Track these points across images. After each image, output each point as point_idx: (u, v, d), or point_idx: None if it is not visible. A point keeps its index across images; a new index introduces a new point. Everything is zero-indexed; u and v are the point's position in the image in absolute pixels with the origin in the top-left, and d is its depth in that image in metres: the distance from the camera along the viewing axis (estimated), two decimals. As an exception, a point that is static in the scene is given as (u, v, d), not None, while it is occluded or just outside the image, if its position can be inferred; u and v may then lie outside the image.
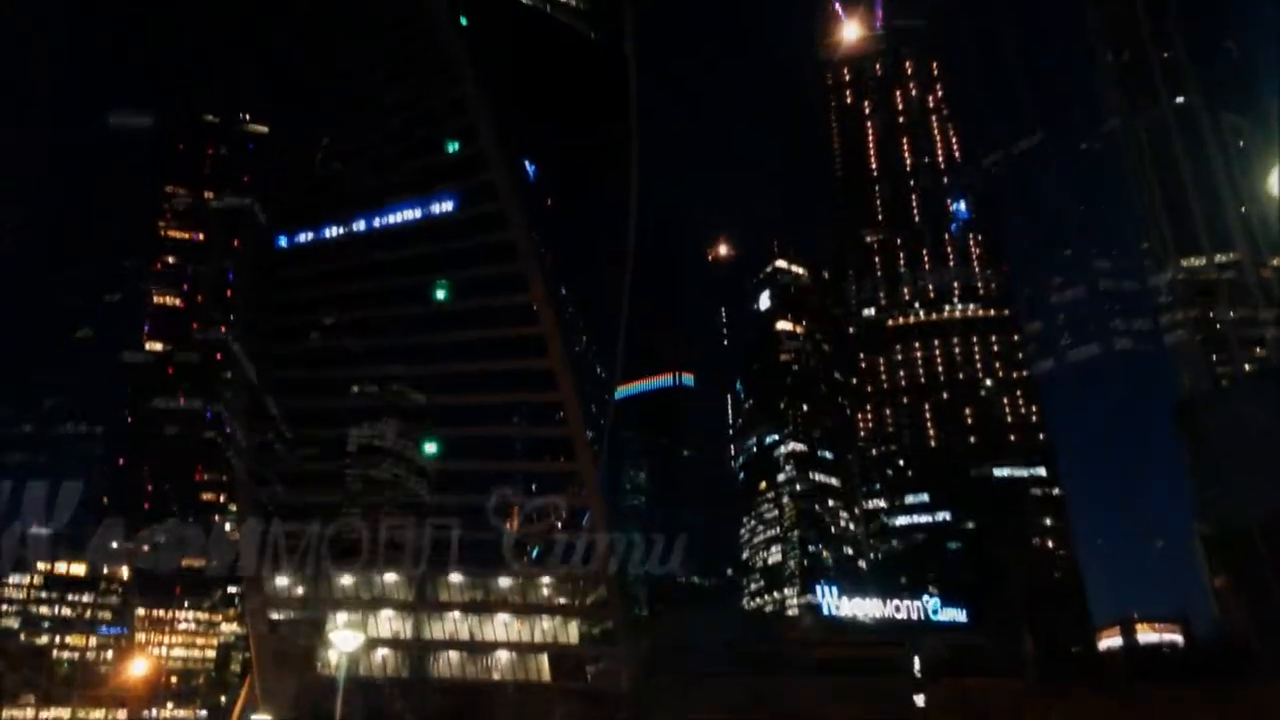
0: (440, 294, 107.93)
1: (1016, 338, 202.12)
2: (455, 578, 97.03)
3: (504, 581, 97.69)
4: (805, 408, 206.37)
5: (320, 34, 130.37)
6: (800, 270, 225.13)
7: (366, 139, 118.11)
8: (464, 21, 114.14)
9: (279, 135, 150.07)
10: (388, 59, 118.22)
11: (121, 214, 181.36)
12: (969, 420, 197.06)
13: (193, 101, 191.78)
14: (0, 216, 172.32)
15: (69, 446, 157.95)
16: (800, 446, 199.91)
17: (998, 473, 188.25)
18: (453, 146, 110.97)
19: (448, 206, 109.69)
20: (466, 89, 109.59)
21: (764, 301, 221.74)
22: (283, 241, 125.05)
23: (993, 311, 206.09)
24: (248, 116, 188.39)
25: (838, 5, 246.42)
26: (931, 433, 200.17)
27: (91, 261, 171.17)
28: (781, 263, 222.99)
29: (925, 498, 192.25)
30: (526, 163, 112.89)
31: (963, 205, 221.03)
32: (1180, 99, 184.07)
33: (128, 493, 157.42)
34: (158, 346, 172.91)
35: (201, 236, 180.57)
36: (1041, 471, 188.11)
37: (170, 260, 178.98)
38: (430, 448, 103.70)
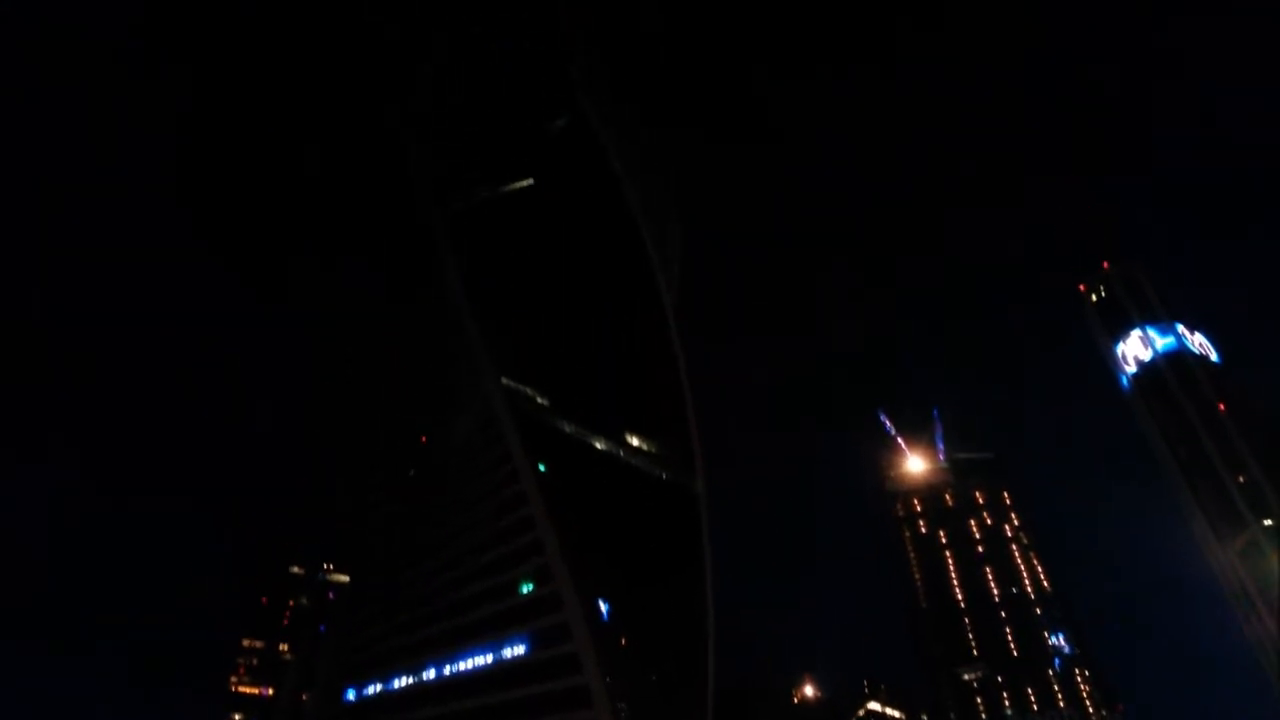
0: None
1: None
2: None
3: None
4: None
5: (404, 489, 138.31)
6: (896, 713, 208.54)
7: (442, 586, 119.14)
8: (542, 468, 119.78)
9: (358, 586, 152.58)
10: (464, 504, 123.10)
11: (199, 669, 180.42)
12: None
13: (283, 554, 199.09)
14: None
15: None
16: None
17: None
18: (527, 587, 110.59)
19: (520, 650, 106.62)
20: (542, 531, 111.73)
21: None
22: (351, 695, 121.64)
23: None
24: (331, 566, 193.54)
25: (900, 440, 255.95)
26: None
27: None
28: (875, 705, 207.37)
29: None
30: (600, 601, 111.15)
31: (1062, 639, 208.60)
32: (1269, 521, 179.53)
33: None
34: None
35: (270, 691, 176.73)
36: None
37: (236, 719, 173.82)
38: None
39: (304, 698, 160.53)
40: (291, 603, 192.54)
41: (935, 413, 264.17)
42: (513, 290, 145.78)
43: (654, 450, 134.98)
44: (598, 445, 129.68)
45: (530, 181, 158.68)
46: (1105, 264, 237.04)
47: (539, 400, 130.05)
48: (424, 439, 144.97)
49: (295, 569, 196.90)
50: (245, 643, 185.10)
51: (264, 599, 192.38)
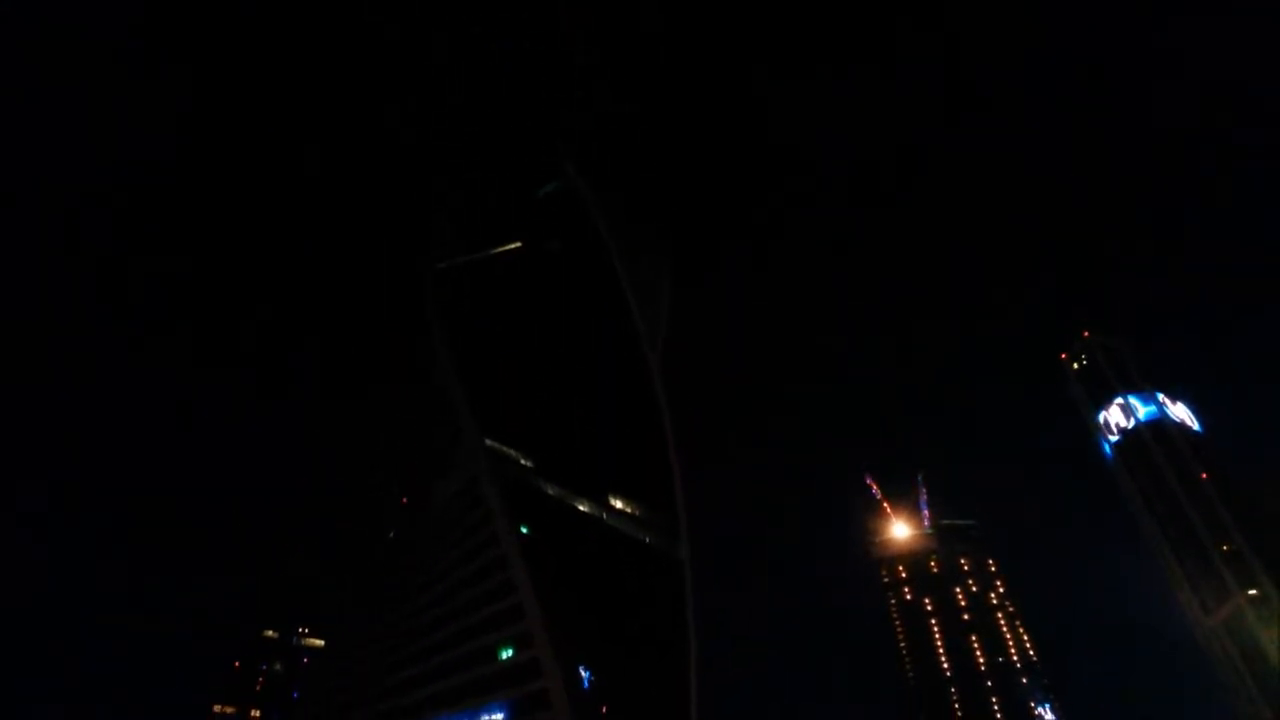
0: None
1: None
2: None
3: None
4: None
5: (382, 551, 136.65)
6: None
7: (419, 651, 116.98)
8: (524, 530, 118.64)
9: (333, 651, 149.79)
10: (444, 567, 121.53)
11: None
12: None
13: (257, 620, 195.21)
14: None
15: None
16: None
17: None
18: (506, 653, 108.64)
19: (498, 719, 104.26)
20: (523, 596, 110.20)
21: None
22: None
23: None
24: (306, 630, 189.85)
25: (885, 505, 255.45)
26: None
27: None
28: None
29: None
30: (581, 669, 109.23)
31: (1049, 710, 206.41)
32: (1253, 591, 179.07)
33: None
34: None
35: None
36: None
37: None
38: None
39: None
40: (265, 667, 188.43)
41: (920, 478, 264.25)
42: (496, 351, 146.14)
43: (638, 514, 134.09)
44: (581, 508, 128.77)
45: (517, 245, 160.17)
46: (1086, 333, 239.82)
47: (523, 462, 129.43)
48: (404, 500, 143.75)
49: (269, 633, 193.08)
50: (216, 708, 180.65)
51: (236, 663, 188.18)
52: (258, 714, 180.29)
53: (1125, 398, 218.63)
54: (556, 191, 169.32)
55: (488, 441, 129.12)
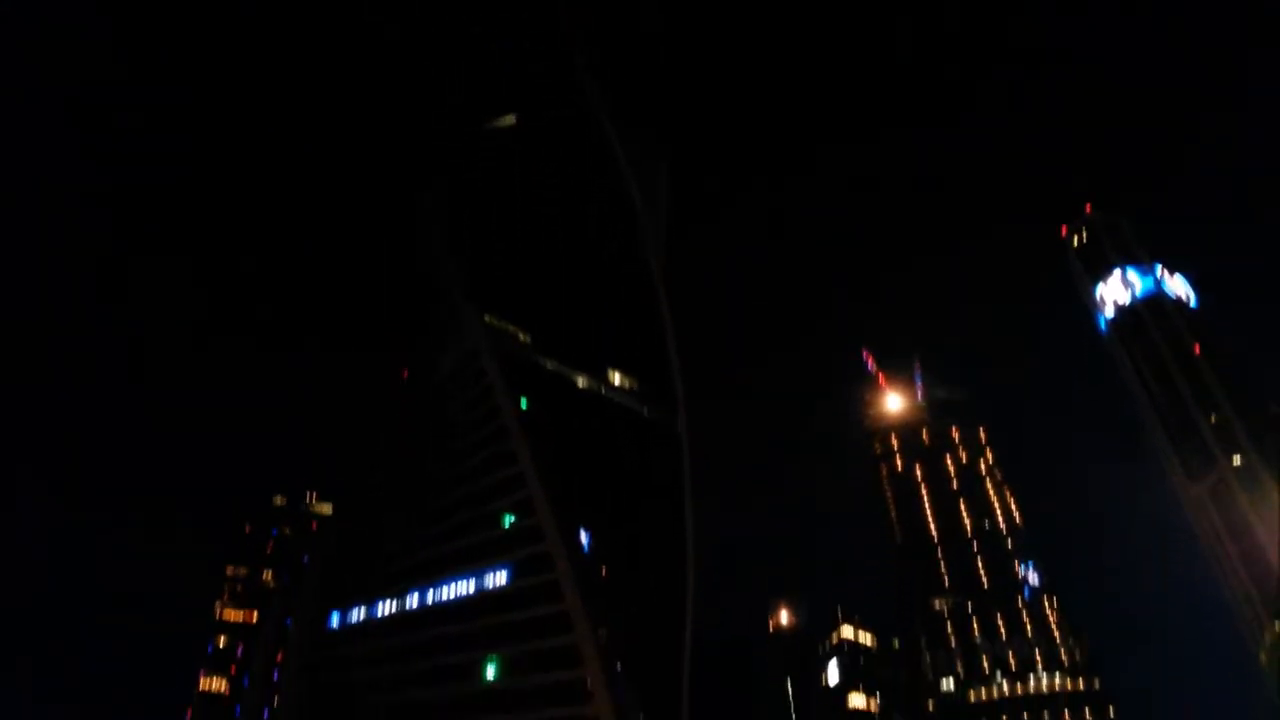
0: (491, 671, 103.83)
1: (1112, 712, 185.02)
2: None
3: None
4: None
5: (387, 422, 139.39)
6: (868, 639, 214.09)
7: (424, 517, 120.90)
8: (524, 404, 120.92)
9: (341, 515, 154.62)
10: (447, 438, 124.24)
11: (182, 597, 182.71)
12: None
13: (265, 485, 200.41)
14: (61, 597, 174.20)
15: None
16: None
17: None
18: (509, 519, 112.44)
19: (501, 579, 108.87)
20: (524, 466, 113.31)
21: (832, 675, 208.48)
22: (335, 620, 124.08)
23: (1082, 684, 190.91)
24: (315, 495, 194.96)
25: (881, 379, 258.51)
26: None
27: (146, 649, 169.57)
28: (848, 631, 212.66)
29: None
30: (582, 534, 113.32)
31: (1031, 571, 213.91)
32: (1238, 460, 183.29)
33: None
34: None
35: (255, 617, 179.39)
36: None
37: (221, 642, 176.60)
38: None
39: (288, 622, 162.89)
40: (275, 532, 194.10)
41: (915, 353, 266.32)
42: (494, 226, 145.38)
43: (636, 388, 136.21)
44: (580, 382, 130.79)
45: (514, 119, 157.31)
46: (1088, 207, 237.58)
47: (521, 337, 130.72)
48: (405, 374, 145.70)
49: (278, 500, 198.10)
50: (229, 570, 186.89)
51: (247, 527, 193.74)
52: (269, 575, 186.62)
53: (1124, 270, 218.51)
54: (551, 66, 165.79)
55: (486, 317, 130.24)
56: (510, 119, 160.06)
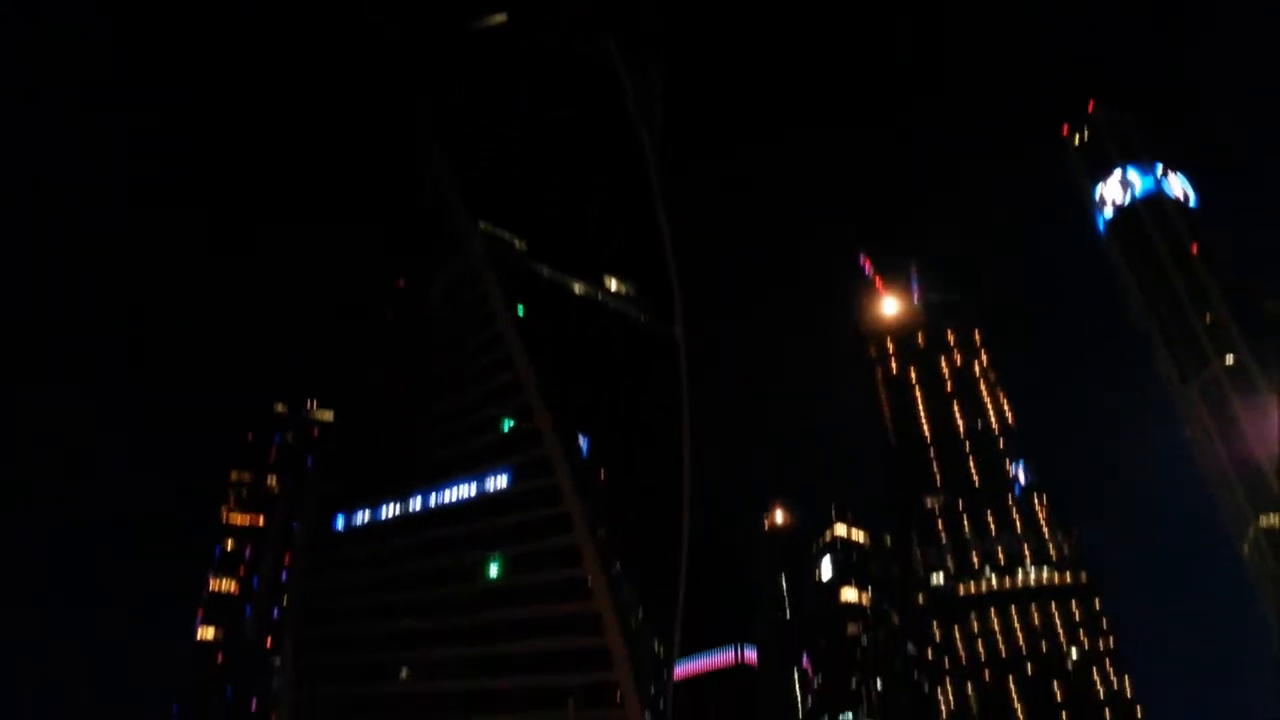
0: (493, 571, 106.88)
1: (1098, 604, 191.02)
2: None
3: None
4: (880, 685, 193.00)
5: (390, 333, 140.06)
6: (861, 537, 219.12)
7: (425, 422, 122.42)
8: (520, 311, 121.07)
9: (343, 421, 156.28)
10: (445, 346, 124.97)
11: (187, 501, 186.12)
12: (1058, 697, 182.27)
13: (266, 393, 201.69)
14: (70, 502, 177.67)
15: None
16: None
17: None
18: (508, 424, 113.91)
19: (502, 482, 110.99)
20: (521, 373, 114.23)
21: (825, 570, 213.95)
22: (340, 523, 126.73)
23: (1069, 577, 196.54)
24: (315, 403, 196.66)
25: (878, 281, 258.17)
26: (1019, 709, 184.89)
27: (156, 547, 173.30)
28: (840, 528, 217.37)
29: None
30: (580, 438, 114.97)
31: (1022, 469, 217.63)
32: (1230, 359, 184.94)
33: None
34: (210, 634, 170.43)
35: (261, 521, 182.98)
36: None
37: (229, 545, 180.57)
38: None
39: (294, 525, 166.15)
40: (277, 439, 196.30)
41: (912, 257, 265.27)
42: (488, 131, 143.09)
43: (633, 294, 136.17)
44: (576, 289, 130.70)
45: (504, 18, 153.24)
46: (1090, 104, 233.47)
47: (516, 244, 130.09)
48: (400, 283, 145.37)
49: (279, 407, 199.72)
50: (233, 475, 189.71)
51: (249, 434, 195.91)
52: (273, 480, 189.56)
53: (1124, 169, 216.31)
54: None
55: (480, 224, 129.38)
56: (502, 18, 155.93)
